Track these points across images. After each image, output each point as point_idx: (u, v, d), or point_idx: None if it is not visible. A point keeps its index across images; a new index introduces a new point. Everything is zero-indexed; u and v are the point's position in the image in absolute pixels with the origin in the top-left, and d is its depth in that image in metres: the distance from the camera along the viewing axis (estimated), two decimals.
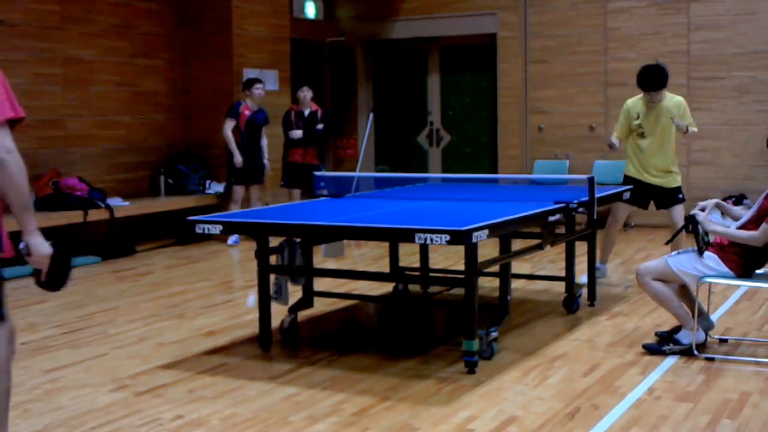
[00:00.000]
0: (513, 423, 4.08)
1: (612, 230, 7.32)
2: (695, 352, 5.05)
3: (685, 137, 7.10)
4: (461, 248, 4.82)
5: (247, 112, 9.88)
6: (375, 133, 12.52)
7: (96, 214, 8.88)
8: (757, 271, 5.12)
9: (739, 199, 10.08)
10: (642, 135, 7.03)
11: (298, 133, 10.07)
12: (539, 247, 5.69)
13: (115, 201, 9.23)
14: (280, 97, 10.86)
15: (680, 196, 7.12)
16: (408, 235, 4.64)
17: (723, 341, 5.42)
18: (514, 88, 11.52)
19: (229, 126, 9.80)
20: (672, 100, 7.04)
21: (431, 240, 4.48)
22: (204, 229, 5.16)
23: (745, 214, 5.20)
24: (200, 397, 4.52)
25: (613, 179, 10.32)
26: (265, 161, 10.07)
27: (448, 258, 8.36)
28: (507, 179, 9.42)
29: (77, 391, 4.68)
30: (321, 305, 6.32)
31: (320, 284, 6.36)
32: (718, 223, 5.18)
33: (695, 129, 7.05)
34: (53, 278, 3.17)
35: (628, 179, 7.16)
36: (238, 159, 9.79)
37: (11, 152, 2.95)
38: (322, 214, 5.60)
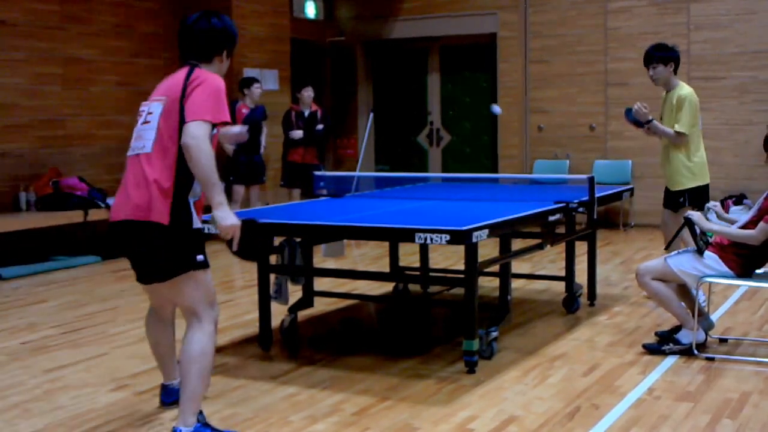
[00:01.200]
0: (513, 423, 4.08)
1: (664, 232, 6.54)
2: (695, 352, 5.05)
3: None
4: (461, 248, 4.82)
5: (244, 110, 9.88)
6: (375, 133, 12.52)
7: (96, 214, 8.87)
8: (757, 271, 5.12)
9: (739, 199, 10.08)
10: None
11: (298, 134, 10.08)
12: (539, 247, 5.69)
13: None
14: (280, 97, 10.86)
15: (681, 200, 6.34)
16: (408, 235, 4.64)
17: (723, 341, 5.42)
18: (514, 88, 11.52)
19: None
20: (678, 90, 6.27)
21: (431, 240, 4.48)
22: (204, 229, 5.13)
23: (741, 217, 5.20)
24: None
25: (613, 179, 10.35)
26: (261, 151, 10.08)
27: (448, 258, 8.36)
28: (507, 179, 9.42)
29: (77, 391, 4.68)
30: (321, 305, 6.32)
31: (320, 284, 6.36)
32: (715, 223, 5.18)
33: (670, 131, 6.19)
34: (243, 249, 3.86)
35: None
36: (228, 149, 9.83)
37: (196, 138, 3.48)
38: (322, 213, 5.60)
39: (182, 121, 3.56)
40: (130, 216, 3.62)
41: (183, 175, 3.60)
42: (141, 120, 3.73)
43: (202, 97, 3.56)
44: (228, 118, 3.63)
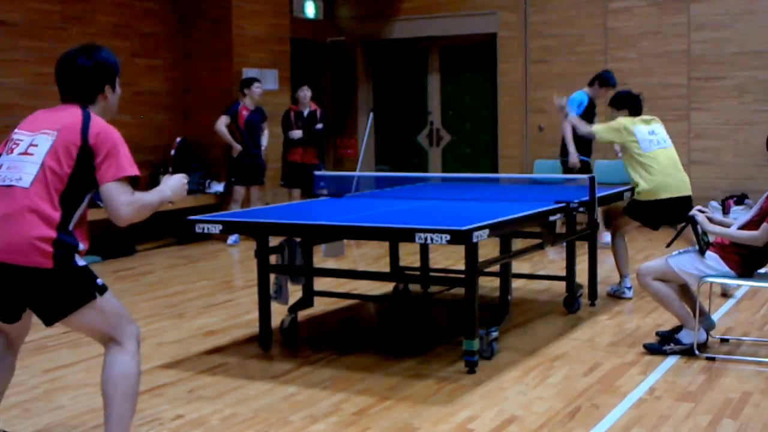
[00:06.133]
0: (513, 423, 4.07)
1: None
2: (696, 352, 5.05)
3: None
4: (461, 248, 4.81)
5: (245, 113, 9.89)
6: (375, 133, 12.51)
7: (96, 214, 8.80)
8: (758, 271, 5.11)
9: (740, 199, 10.07)
10: None
11: (297, 134, 10.10)
12: (539, 246, 5.68)
13: None
14: (280, 97, 10.85)
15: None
16: (408, 235, 4.64)
17: (724, 341, 5.41)
18: (514, 88, 11.51)
19: (222, 121, 9.83)
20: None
21: (431, 240, 4.48)
22: (204, 229, 5.15)
23: (741, 217, 5.20)
24: (200, 396, 4.52)
25: (613, 179, 10.33)
26: (262, 149, 10.09)
27: (448, 258, 8.35)
28: (507, 179, 9.41)
29: (77, 390, 4.68)
30: (321, 305, 6.31)
31: (320, 284, 6.35)
32: (717, 222, 5.17)
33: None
34: None
35: None
36: (237, 147, 9.84)
37: (129, 205, 3.49)
38: (322, 213, 5.59)
39: (79, 172, 3.47)
40: (9, 259, 3.29)
41: (67, 214, 3.50)
42: (18, 149, 3.45)
43: (118, 156, 3.48)
44: (136, 172, 3.50)
